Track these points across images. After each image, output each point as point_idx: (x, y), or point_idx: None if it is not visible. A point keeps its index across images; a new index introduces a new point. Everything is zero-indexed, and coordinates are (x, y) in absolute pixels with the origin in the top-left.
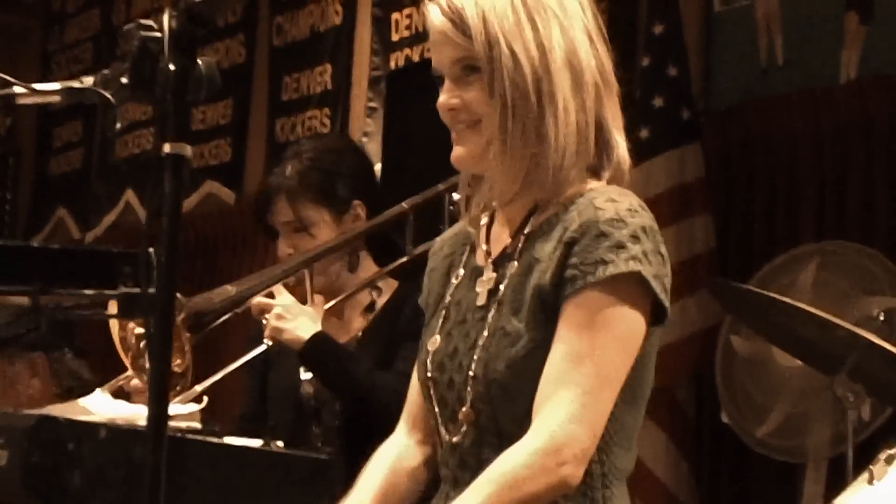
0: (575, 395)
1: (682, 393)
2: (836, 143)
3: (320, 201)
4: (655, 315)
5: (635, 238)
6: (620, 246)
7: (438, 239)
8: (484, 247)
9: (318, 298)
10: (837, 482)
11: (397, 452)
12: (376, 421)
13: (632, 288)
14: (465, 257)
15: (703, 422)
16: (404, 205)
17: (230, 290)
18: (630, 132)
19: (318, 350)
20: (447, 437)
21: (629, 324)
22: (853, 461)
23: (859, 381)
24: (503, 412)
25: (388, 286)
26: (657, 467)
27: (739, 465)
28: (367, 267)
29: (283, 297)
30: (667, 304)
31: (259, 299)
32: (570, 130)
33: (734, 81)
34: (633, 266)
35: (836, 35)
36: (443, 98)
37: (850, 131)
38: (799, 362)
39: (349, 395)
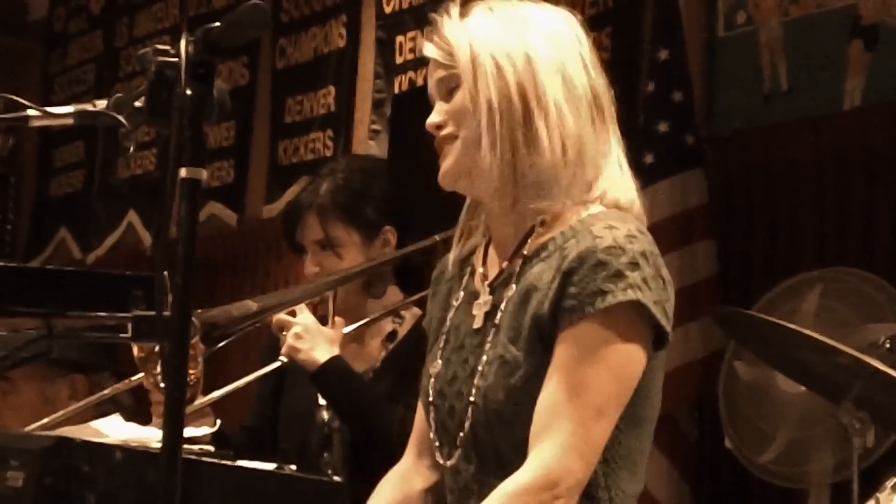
0: (570, 428)
1: (684, 419)
2: (839, 169)
3: (350, 222)
4: (657, 339)
5: (634, 265)
6: (619, 275)
7: (440, 263)
8: (480, 269)
9: (339, 321)
10: None
11: (406, 476)
12: (380, 454)
13: (631, 317)
14: (464, 280)
15: (705, 448)
16: (436, 237)
17: (251, 305)
18: (634, 158)
19: (330, 375)
20: (450, 463)
21: (626, 355)
22: (857, 488)
23: (864, 408)
24: (503, 440)
25: (412, 316)
26: (659, 493)
27: (741, 492)
28: (393, 295)
29: (303, 316)
30: (668, 328)
31: (279, 315)
32: (566, 132)
33: (737, 107)
34: (632, 295)
35: (840, 62)
36: (430, 118)
37: (854, 158)
38: (802, 388)
39: (356, 424)
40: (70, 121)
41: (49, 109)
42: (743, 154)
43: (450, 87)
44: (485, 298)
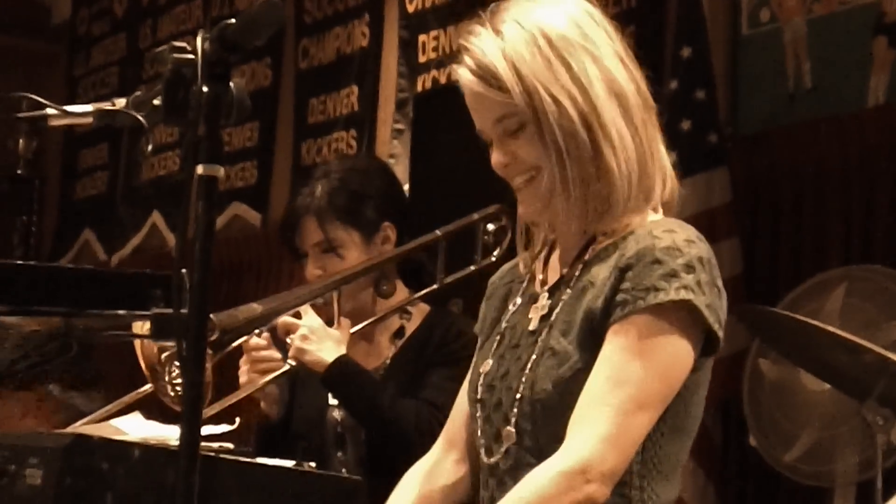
0: (609, 416)
1: (708, 418)
2: (863, 167)
3: (349, 222)
4: (708, 345)
5: (690, 268)
6: (673, 274)
7: (500, 269)
8: (540, 276)
9: (345, 322)
10: None
11: (432, 469)
12: (398, 449)
13: (682, 317)
14: (524, 286)
15: (730, 446)
16: (438, 232)
17: (256, 308)
18: None
19: (340, 374)
20: (488, 459)
21: (674, 352)
22: (882, 486)
23: (888, 405)
24: (545, 432)
25: (419, 311)
26: (684, 491)
27: (766, 490)
28: (398, 291)
29: (309, 318)
30: (720, 333)
31: (285, 318)
32: (630, 156)
33: (761, 106)
34: (684, 295)
35: (864, 60)
36: (495, 158)
37: (878, 156)
38: (827, 387)
39: (370, 421)
40: (89, 120)
41: (68, 108)
42: (767, 152)
43: (510, 126)
44: (543, 302)
